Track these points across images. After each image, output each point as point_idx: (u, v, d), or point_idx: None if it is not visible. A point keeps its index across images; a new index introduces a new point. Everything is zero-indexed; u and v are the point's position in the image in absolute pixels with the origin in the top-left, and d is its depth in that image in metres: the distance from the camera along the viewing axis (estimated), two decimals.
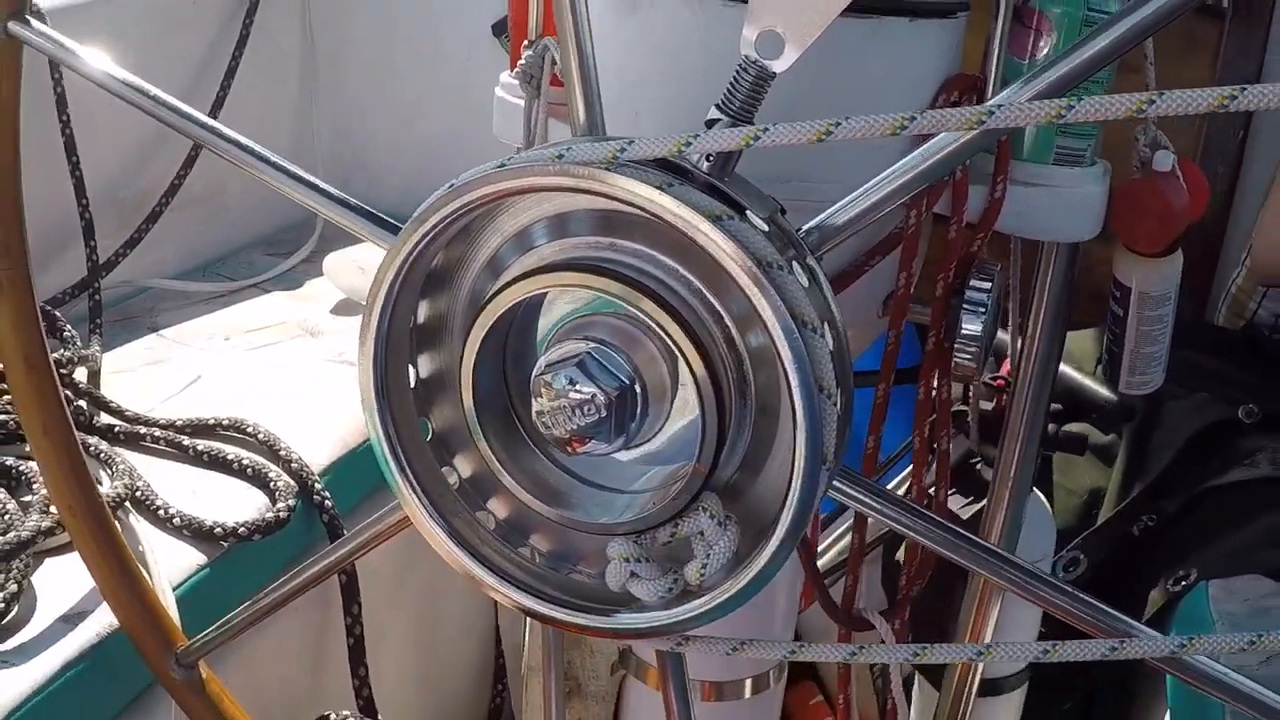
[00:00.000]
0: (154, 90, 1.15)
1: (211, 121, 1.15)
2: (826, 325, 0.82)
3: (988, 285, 1.17)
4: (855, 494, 0.94)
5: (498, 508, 1.02)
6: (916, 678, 1.95)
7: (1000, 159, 1.17)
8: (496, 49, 1.57)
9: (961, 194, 1.16)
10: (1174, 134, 3.12)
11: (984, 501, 1.51)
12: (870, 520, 1.40)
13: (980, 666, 1.62)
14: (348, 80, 3.25)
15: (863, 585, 1.58)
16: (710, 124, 0.85)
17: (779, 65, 0.83)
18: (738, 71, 0.85)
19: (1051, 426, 2.06)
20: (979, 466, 1.83)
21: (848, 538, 2.07)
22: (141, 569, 1.44)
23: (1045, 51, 1.20)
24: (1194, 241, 3.21)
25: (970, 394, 1.81)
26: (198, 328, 2.50)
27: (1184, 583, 1.97)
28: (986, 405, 1.80)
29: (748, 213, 0.81)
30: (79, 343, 2.12)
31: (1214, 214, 3.22)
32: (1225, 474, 2.17)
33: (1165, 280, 1.42)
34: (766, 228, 0.81)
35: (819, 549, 2.19)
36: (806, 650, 0.98)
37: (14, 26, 1.15)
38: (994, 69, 1.19)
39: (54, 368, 1.34)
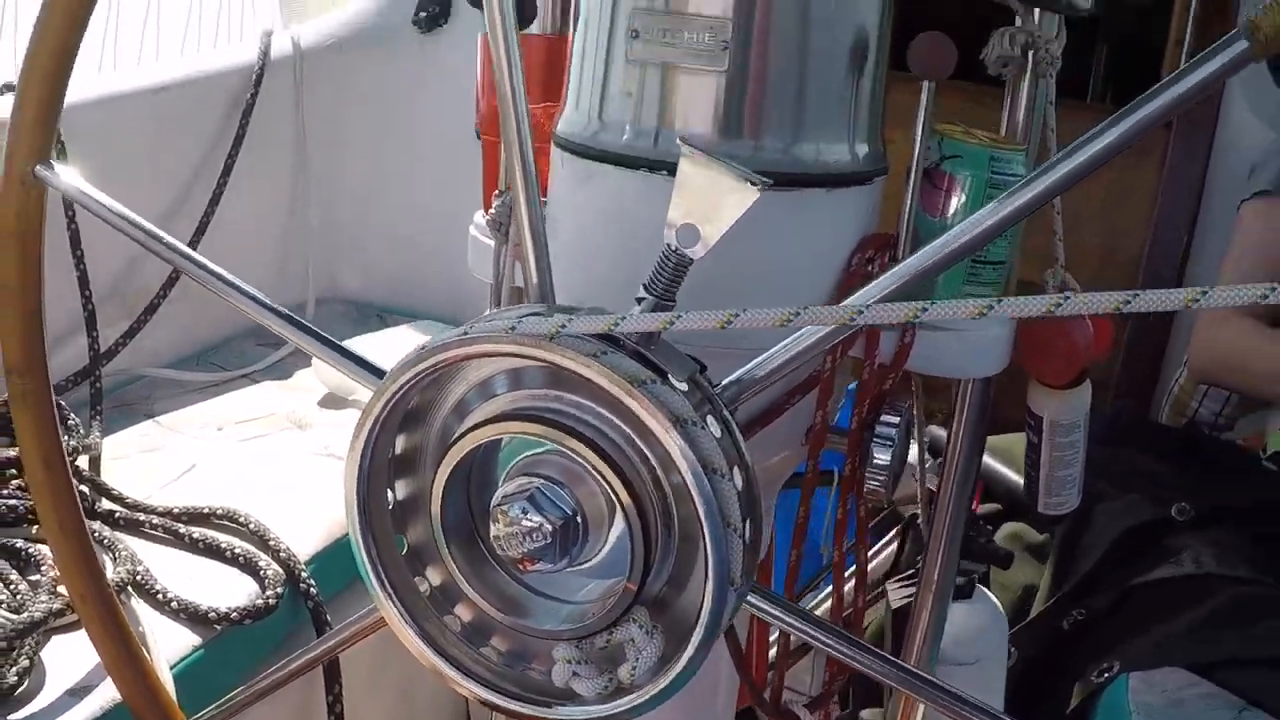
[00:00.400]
0: (166, 237, 1.29)
1: (210, 264, 1.28)
2: (735, 469, 0.96)
3: (896, 420, 1.29)
4: (768, 609, 1.08)
5: (463, 613, 1.14)
6: None
7: None
8: (478, 147, 1.69)
9: (874, 341, 1.28)
10: (1122, 238, 3.26)
11: None
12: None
13: None
14: (339, 177, 3.38)
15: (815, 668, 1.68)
16: (639, 300, 1.01)
17: (696, 252, 0.98)
18: (660, 258, 0.99)
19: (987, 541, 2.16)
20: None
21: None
22: (143, 650, 1.55)
23: (954, 210, 1.30)
24: (1140, 344, 3.35)
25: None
26: (192, 416, 2.61)
27: (1106, 675, 2.06)
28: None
29: (669, 376, 0.96)
30: (82, 430, 2.25)
31: (1158, 320, 3.34)
32: (1151, 571, 2.25)
33: (1074, 410, 1.49)
34: (685, 388, 0.96)
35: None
36: None
37: (40, 171, 1.28)
38: (905, 228, 1.30)
39: (70, 471, 1.46)
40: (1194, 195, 3.35)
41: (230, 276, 1.26)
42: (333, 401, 2.71)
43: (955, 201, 1.31)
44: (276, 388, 2.84)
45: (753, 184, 0.94)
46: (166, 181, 2.89)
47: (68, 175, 1.30)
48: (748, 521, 0.97)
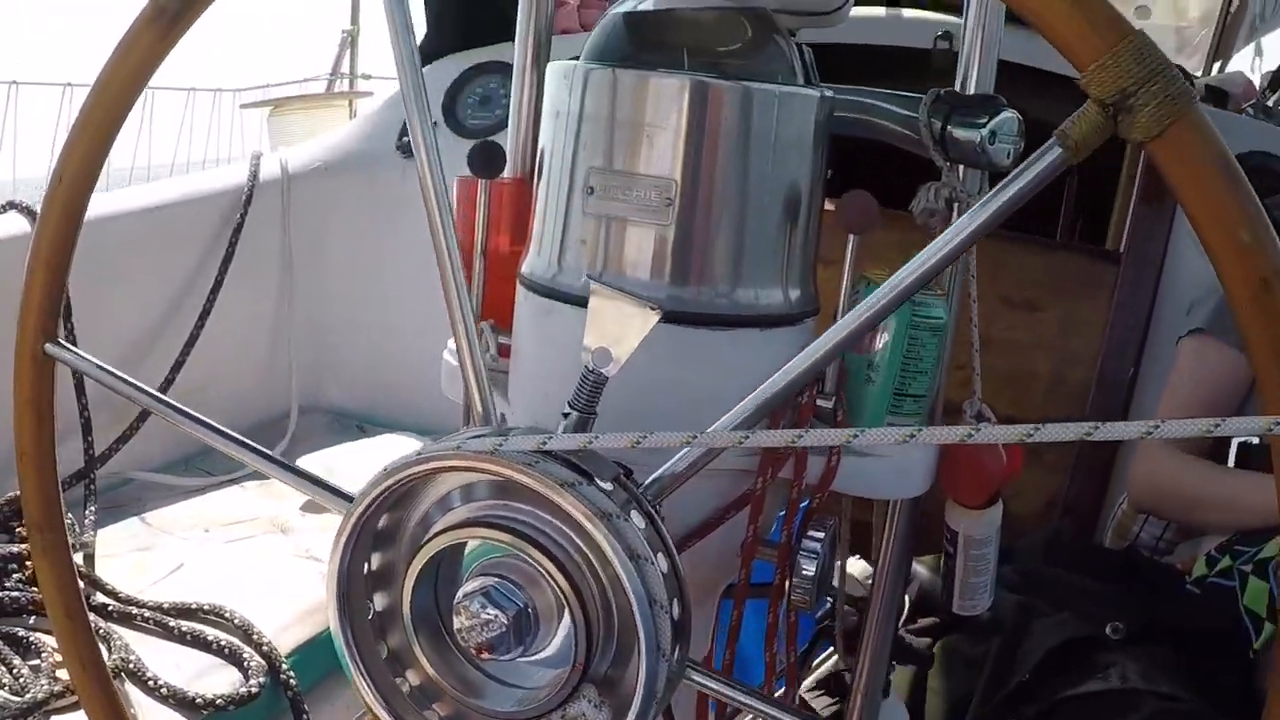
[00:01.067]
0: (166, 399, 1.45)
1: (193, 414, 1.44)
2: (660, 554, 1.11)
3: (821, 535, 1.40)
4: (705, 681, 1.23)
5: (441, 709, 1.27)
6: None
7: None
8: None
9: (802, 463, 1.40)
10: (1072, 366, 3.34)
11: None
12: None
13: None
14: (323, 292, 3.51)
15: None
16: (565, 414, 1.17)
17: (610, 370, 1.14)
18: (581, 377, 1.16)
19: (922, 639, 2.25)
20: (847, 674, 2.04)
21: None
22: None
23: (879, 346, 1.42)
24: (1084, 470, 3.44)
25: (835, 612, 2.03)
26: (180, 517, 2.73)
27: None
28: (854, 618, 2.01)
29: (595, 479, 1.11)
30: (78, 529, 2.37)
31: (1106, 445, 3.44)
32: (1080, 685, 2.35)
33: (986, 527, 1.59)
34: (609, 488, 1.12)
35: None
36: None
37: (50, 348, 1.43)
38: (833, 364, 1.41)
39: (88, 616, 1.58)
40: (1141, 328, 3.42)
41: (214, 424, 1.44)
42: (313, 507, 2.82)
43: (881, 339, 1.42)
44: (260, 492, 2.95)
45: (651, 309, 1.10)
46: (159, 297, 3.03)
47: (74, 350, 1.43)
48: (675, 600, 1.11)
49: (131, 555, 2.50)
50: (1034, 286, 3.44)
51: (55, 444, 1.49)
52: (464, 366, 1.27)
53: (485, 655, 1.15)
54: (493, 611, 1.13)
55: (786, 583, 1.43)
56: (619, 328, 1.13)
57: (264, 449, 1.40)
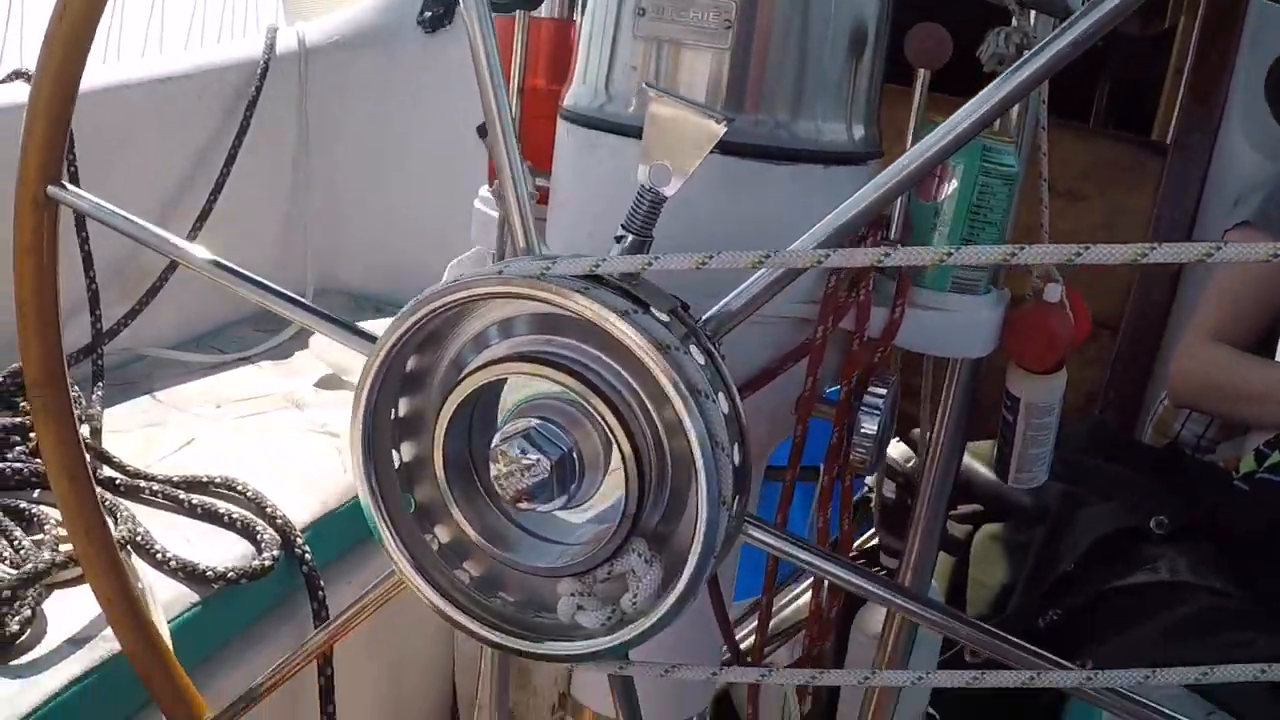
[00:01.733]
0: (170, 237, 1.31)
1: (210, 256, 1.30)
2: (721, 394, 1.01)
3: (884, 392, 1.33)
4: (763, 538, 1.13)
5: (472, 566, 1.18)
6: None
7: (900, 286, 1.32)
8: (481, 149, 1.70)
9: (864, 313, 1.32)
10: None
11: None
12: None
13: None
14: (340, 171, 3.42)
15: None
16: (619, 239, 1.06)
17: (668, 190, 1.03)
18: (637, 197, 1.05)
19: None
20: (883, 554, 1.97)
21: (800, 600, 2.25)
22: (143, 604, 1.58)
23: (946, 195, 1.33)
24: (1126, 365, 3.39)
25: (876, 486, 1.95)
26: (192, 394, 2.65)
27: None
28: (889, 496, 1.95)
29: (650, 309, 1.01)
30: (84, 403, 2.29)
31: (1148, 338, 3.37)
32: (1128, 576, 2.31)
33: (1049, 394, 1.52)
34: (666, 319, 1.01)
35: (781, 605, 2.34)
36: (725, 674, 1.16)
37: (52, 190, 1.33)
38: (898, 210, 1.34)
39: (92, 479, 1.51)
40: (1187, 222, 3.38)
41: (234, 267, 1.29)
42: (330, 382, 2.75)
43: (947, 188, 1.33)
44: (275, 370, 2.88)
45: (717, 121, 0.99)
46: (169, 171, 2.93)
47: (78, 191, 1.34)
48: (736, 445, 1.02)
49: (141, 431, 2.42)
50: (1078, 176, 3.38)
51: (58, 295, 1.41)
52: (505, 192, 1.16)
53: (524, 505, 1.06)
54: (534, 455, 1.03)
55: (843, 443, 1.35)
56: (681, 141, 1.01)
57: (284, 290, 1.27)
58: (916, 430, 2.15)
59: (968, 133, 1.01)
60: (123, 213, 1.32)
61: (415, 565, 1.17)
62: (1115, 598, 2.31)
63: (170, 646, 1.61)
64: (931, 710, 2.07)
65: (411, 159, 3.42)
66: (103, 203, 1.33)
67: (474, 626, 1.16)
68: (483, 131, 1.66)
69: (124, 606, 1.56)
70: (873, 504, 1.95)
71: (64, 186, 1.34)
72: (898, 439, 2.17)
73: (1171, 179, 3.38)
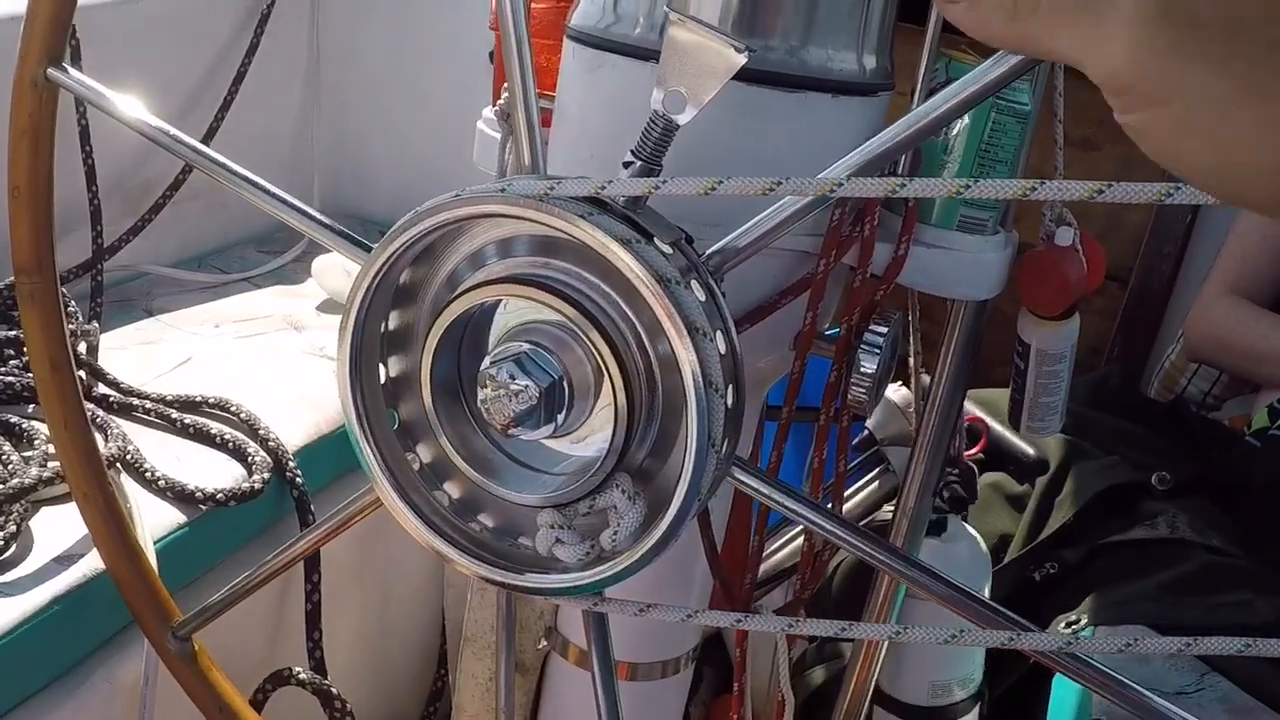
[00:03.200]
0: (172, 130, 1.29)
1: (215, 154, 1.28)
2: (719, 333, 0.98)
3: (884, 330, 1.31)
4: (750, 482, 1.10)
5: (452, 489, 1.16)
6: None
7: (906, 222, 1.30)
8: (491, 76, 1.69)
9: (868, 249, 1.29)
10: (1127, 210, 3.27)
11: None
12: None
13: (874, 679, 1.75)
14: (349, 93, 3.38)
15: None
16: (626, 165, 1.02)
17: (682, 118, 0.99)
18: (649, 123, 1.01)
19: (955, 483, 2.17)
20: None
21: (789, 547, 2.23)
22: (129, 524, 1.57)
23: (957, 131, 1.31)
24: (1134, 318, 3.37)
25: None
26: (190, 314, 2.63)
27: (1072, 627, 2.09)
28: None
29: (654, 239, 0.98)
30: (81, 319, 2.27)
31: (1157, 291, 3.35)
32: (1126, 532, 2.29)
33: (1061, 341, 1.50)
34: (670, 251, 0.98)
35: (766, 553, 2.32)
36: (700, 616, 1.13)
37: (52, 72, 1.30)
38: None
39: (75, 372, 1.49)
40: None
41: (241, 170, 1.27)
42: (331, 307, 2.73)
43: (959, 123, 1.31)
44: (276, 292, 2.85)
45: (739, 50, 0.95)
46: (175, 88, 2.89)
47: (78, 76, 1.31)
48: (730, 386, 0.99)
49: (137, 349, 2.40)
50: (1093, 124, 3.35)
51: (53, 182, 1.39)
52: (515, 106, 1.14)
53: (510, 431, 1.03)
54: (523, 381, 1.01)
55: (842, 382, 1.33)
56: (699, 69, 0.98)
57: (283, 193, 1.26)
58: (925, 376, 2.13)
59: (1014, 72, 0.98)
60: (127, 103, 1.30)
61: (393, 482, 1.15)
62: (1113, 552, 2.29)
63: (155, 567, 1.59)
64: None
65: (423, 82, 3.36)
66: (103, 90, 1.30)
67: (449, 551, 1.15)
68: (494, 56, 1.63)
69: (109, 526, 1.54)
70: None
71: (65, 69, 1.31)
72: (899, 384, 2.16)
73: None
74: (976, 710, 2.01)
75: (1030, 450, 2.47)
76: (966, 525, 1.90)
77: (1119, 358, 3.44)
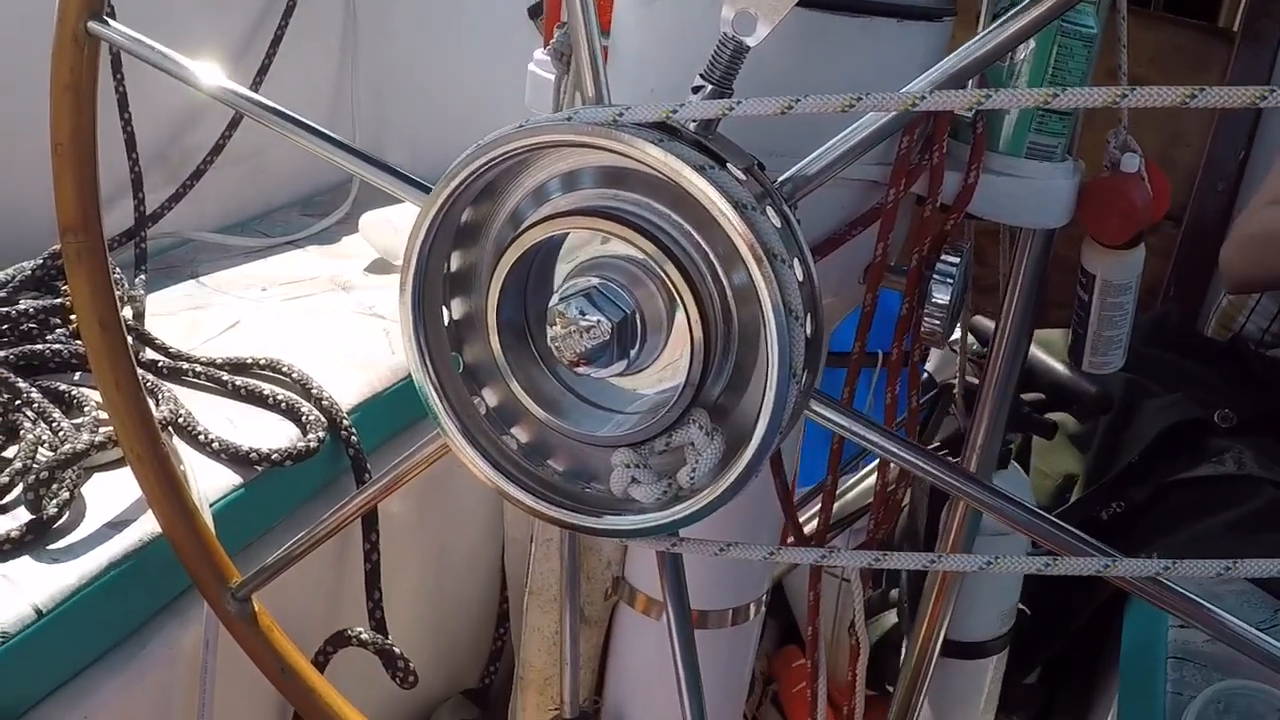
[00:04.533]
0: (209, 75, 1.26)
1: (256, 96, 1.26)
2: (796, 260, 0.95)
3: (957, 260, 1.27)
4: (829, 415, 1.07)
5: (520, 433, 1.14)
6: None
7: (975, 149, 1.27)
8: (531, 30, 1.66)
9: (938, 177, 1.27)
10: (1180, 148, 3.25)
11: None
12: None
13: (947, 621, 1.74)
14: (388, 50, 3.36)
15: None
16: (696, 90, 0.99)
17: (752, 40, 0.96)
18: (718, 46, 0.98)
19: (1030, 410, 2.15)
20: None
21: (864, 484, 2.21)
22: (184, 486, 1.56)
23: (1023, 56, 1.28)
24: (1188, 257, 3.34)
25: (958, 372, 1.91)
26: (236, 278, 2.61)
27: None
28: (973, 380, 1.89)
29: (728, 164, 0.95)
30: (126, 285, 2.25)
31: (1212, 231, 3.31)
32: (1193, 469, 2.26)
33: (1127, 271, 1.48)
34: (743, 177, 0.95)
35: (839, 493, 2.31)
36: (782, 553, 1.11)
37: (93, 25, 1.28)
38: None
39: (124, 330, 1.47)
40: (1253, 111, 3.32)
41: (292, 114, 1.24)
42: (379, 266, 2.71)
43: (1024, 48, 1.28)
44: (322, 254, 2.84)
45: None
46: (212, 51, 2.85)
47: (119, 27, 1.29)
48: (810, 315, 0.96)
49: (184, 314, 2.38)
50: (1143, 62, 3.32)
51: (96, 137, 1.36)
52: (576, 36, 1.10)
53: (582, 369, 1.01)
54: (594, 316, 0.98)
55: (914, 314, 1.29)
56: None
57: (336, 135, 1.22)
58: (978, 318, 2.10)
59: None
60: (167, 51, 1.27)
61: (461, 428, 1.13)
62: (1179, 491, 2.27)
63: (212, 529, 1.58)
64: (1023, 606, 2.03)
65: (463, 36, 3.35)
66: (146, 39, 1.28)
67: (521, 495, 1.12)
68: (533, 12, 1.60)
69: (165, 488, 1.53)
70: (955, 390, 1.89)
71: (105, 22, 1.29)
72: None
73: (1238, 67, 3.32)
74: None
75: (1092, 389, 2.44)
76: (1018, 466, 1.88)
77: (1175, 297, 3.41)
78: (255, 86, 2.86)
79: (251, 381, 2.01)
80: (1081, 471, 2.39)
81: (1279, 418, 2.40)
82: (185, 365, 2.05)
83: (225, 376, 2.02)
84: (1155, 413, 2.38)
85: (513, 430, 1.14)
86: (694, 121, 0.98)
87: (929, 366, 2.31)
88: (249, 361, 2.07)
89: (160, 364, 2.06)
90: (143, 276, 2.49)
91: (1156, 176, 1.42)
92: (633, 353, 1.01)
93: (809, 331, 0.96)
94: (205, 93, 1.27)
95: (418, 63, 3.39)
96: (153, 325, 2.22)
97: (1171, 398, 2.42)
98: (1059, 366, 2.43)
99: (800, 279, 0.95)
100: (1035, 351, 2.42)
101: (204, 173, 2.76)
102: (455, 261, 1.11)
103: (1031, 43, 1.28)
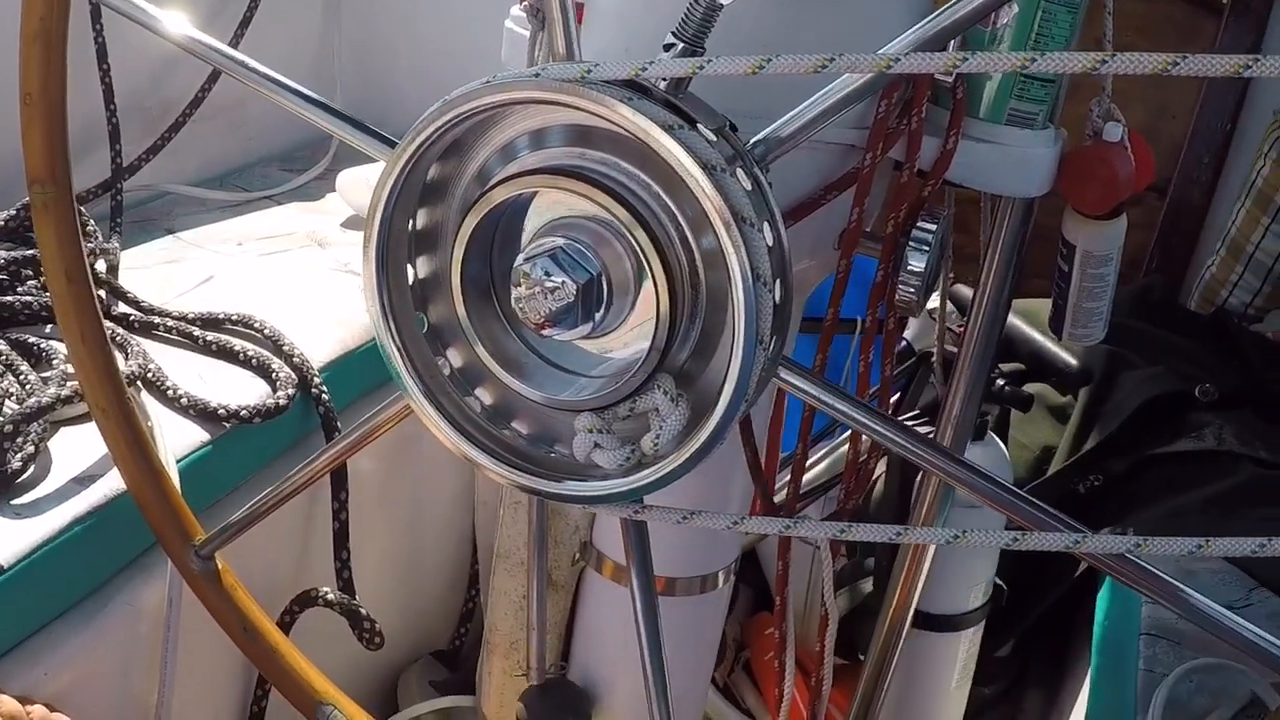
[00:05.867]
0: (183, 27, 1.25)
1: (233, 52, 1.25)
2: (766, 224, 0.93)
3: (933, 227, 1.25)
4: (797, 383, 1.06)
5: (485, 394, 1.13)
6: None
7: (955, 114, 1.25)
8: None
9: (915, 142, 1.25)
10: (1165, 120, 3.24)
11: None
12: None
13: (918, 593, 1.73)
14: (373, 5, 3.33)
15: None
16: (667, 48, 0.97)
17: None
18: (690, 3, 0.96)
19: (1006, 384, 2.14)
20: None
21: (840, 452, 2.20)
22: (150, 442, 1.54)
23: (1006, 21, 1.25)
24: (1173, 229, 3.33)
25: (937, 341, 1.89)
26: (212, 232, 2.59)
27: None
28: (952, 349, 1.88)
29: (698, 125, 0.93)
30: (100, 237, 2.23)
31: (1196, 202, 3.31)
32: (1173, 444, 2.25)
33: (1108, 241, 1.45)
34: (714, 138, 0.93)
35: (809, 463, 2.30)
36: (746, 523, 1.09)
37: None
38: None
39: (91, 282, 1.45)
40: (1239, 87, 3.31)
41: (263, 68, 1.23)
42: (356, 223, 2.69)
43: (1007, 12, 1.26)
44: (300, 209, 2.81)
45: None
46: (194, 3, 2.83)
47: None
48: (778, 281, 0.94)
49: (159, 268, 2.36)
50: (1131, 32, 3.31)
51: (65, 86, 1.35)
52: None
53: (546, 330, 0.99)
54: (559, 278, 0.97)
55: (889, 281, 1.28)
56: None
57: (310, 92, 1.22)
58: (959, 286, 2.08)
59: None
60: (146, 4, 1.26)
61: (424, 389, 1.12)
62: (1158, 464, 2.26)
63: (177, 485, 1.56)
64: (999, 581, 2.02)
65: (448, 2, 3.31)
66: None
67: (482, 458, 1.11)
68: None
69: (130, 444, 1.51)
70: (934, 359, 1.88)
71: None
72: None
73: (1226, 41, 3.30)
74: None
75: (1073, 360, 2.44)
76: (996, 438, 1.87)
77: (1158, 269, 3.40)
78: (236, 40, 2.83)
79: (223, 337, 2.00)
80: (1060, 443, 2.37)
81: (1261, 393, 2.39)
82: (157, 320, 2.03)
83: (196, 332, 2.00)
84: (1136, 385, 2.37)
85: (477, 392, 1.13)
86: (664, 80, 0.96)
87: (909, 334, 2.30)
88: (221, 317, 2.06)
89: (132, 318, 2.04)
90: (118, 229, 2.46)
91: (1140, 146, 1.41)
92: (598, 315, 0.99)
93: (777, 298, 0.94)
94: (173, 42, 1.26)
95: (403, 18, 3.35)
96: (127, 279, 2.20)
97: (1152, 370, 2.41)
98: (1039, 337, 2.43)
99: (770, 244, 0.93)
100: (1016, 322, 2.42)
101: (183, 125, 2.73)
102: (421, 219, 1.10)
103: (1015, 7, 1.25)
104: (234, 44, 2.81)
